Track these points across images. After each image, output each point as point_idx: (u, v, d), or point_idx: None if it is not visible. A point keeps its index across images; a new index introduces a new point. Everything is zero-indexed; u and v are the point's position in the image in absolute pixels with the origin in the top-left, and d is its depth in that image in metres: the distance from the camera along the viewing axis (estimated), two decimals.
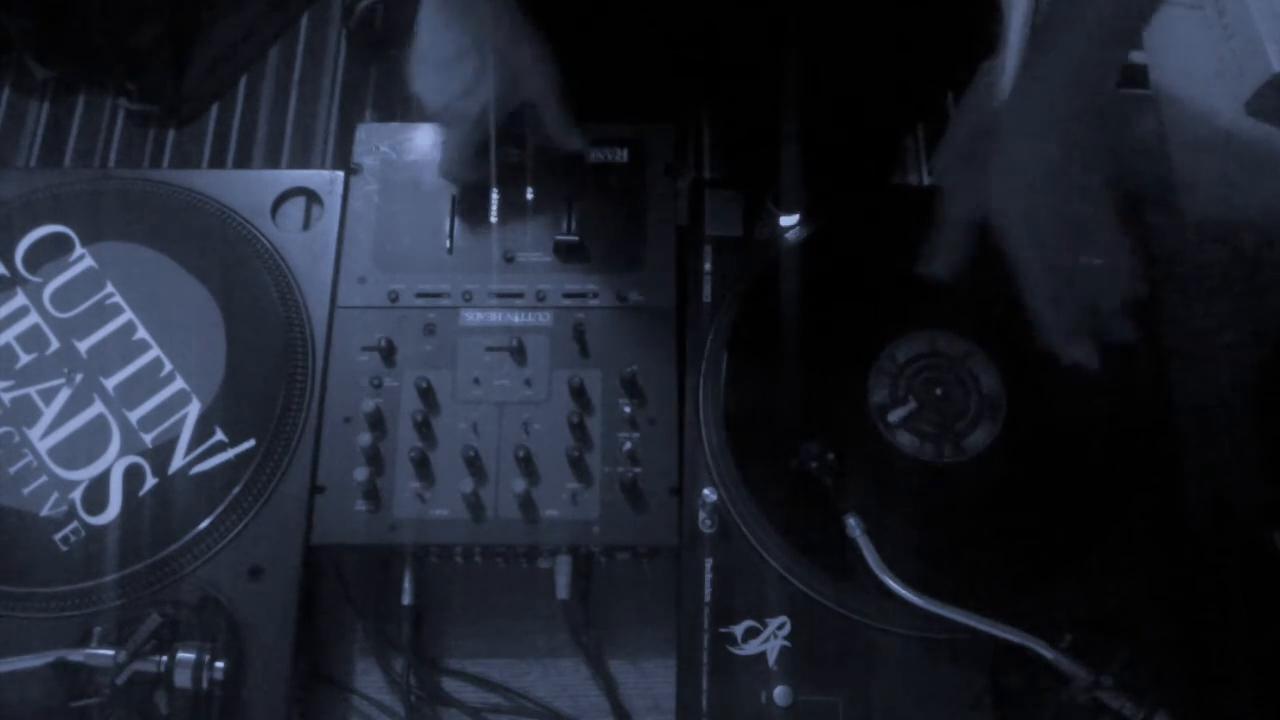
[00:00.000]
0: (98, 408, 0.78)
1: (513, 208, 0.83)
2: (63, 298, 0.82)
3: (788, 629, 0.72)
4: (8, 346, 0.80)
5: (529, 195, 0.83)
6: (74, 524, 0.75)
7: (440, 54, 0.78)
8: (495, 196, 0.83)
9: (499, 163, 0.82)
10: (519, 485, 0.75)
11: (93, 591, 0.73)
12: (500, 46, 0.77)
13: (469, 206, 0.83)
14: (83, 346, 0.80)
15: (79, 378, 0.79)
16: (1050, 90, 0.73)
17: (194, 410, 0.78)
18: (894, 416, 0.77)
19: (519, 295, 0.81)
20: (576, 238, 0.81)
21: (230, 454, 0.77)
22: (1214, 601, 0.74)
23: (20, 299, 0.82)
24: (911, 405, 0.78)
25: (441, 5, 0.77)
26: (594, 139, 0.85)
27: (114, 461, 0.77)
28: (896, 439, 0.77)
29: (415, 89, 0.80)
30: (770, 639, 0.72)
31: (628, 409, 0.77)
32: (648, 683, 0.77)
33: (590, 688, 0.77)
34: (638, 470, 0.75)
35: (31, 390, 0.79)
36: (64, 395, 0.79)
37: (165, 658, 0.69)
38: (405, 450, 0.76)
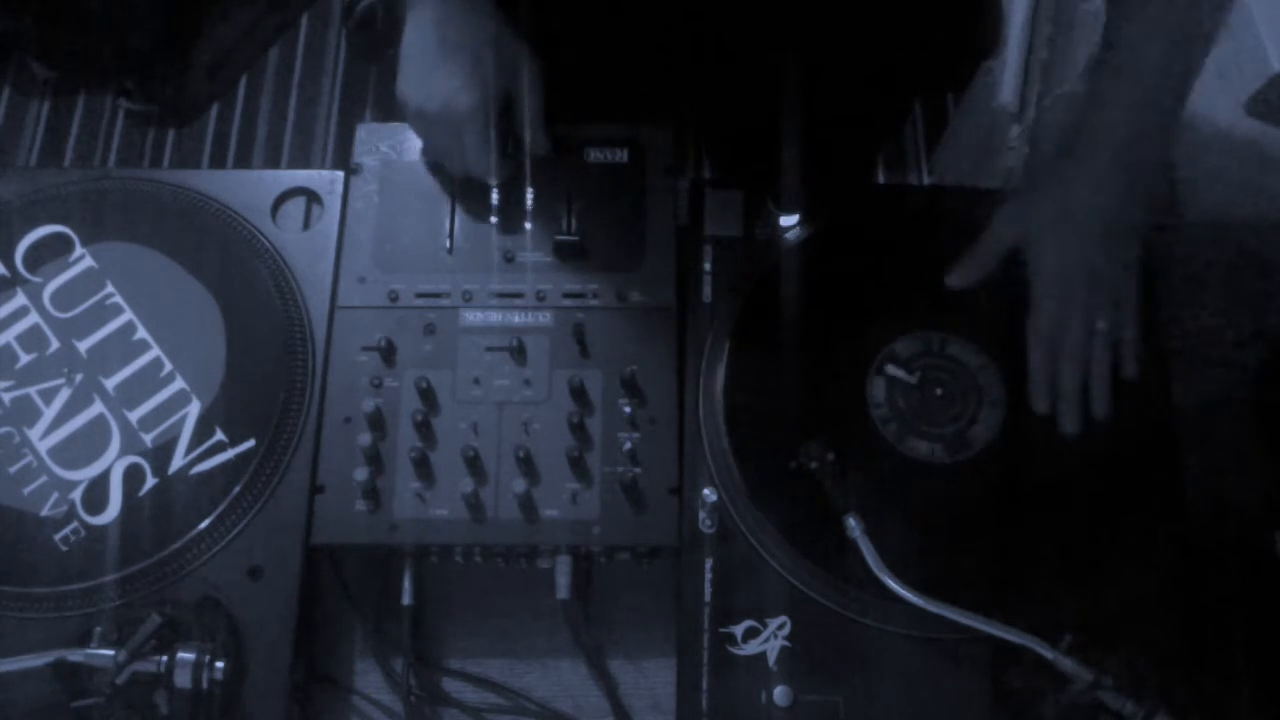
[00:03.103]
0: (98, 408, 0.78)
1: (513, 208, 0.83)
2: (63, 298, 0.82)
3: (788, 629, 0.72)
4: (8, 346, 0.80)
5: (529, 195, 0.83)
6: (74, 524, 0.75)
7: (427, 55, 0.78)
8: (495, 196, 0.83)
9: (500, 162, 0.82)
10: (519, 485, 0.75)
11: (93, 591, 0.73)
12: (486, 46, 0.77)
13: (469, 206, 0.83)
14: (83, 346, 0.80)
15: (79, 378, 0.79)
16: (1118, 127, 0.75)
17: (194, 410, 0.78)
18: (891, 369, 0.78)
19: (519, 295, 0.81)
20: (576, 238, 0.81)
21: (230, 454, 0.77)
22: (1214, 602, 0.74)
23: (20, 299, 0.82)
24: (912, 377, 0.78)
25: (428, 7, 0.78)
26: (594, 139, 0.85)
27: (114, 461, 0.77)
28: (875, 406, 0.77)
29: (401, 91, 0.80)
30: (770, 639, 0.72)
31: (628, 409, 0.77)
32: (648, 683, 0.77)
33: (590, 688, 0.77)
34: (638, 470, 0.75)
35: (31, 390, 0.79)
36: (64, 395, 0.79)
37: (165, 658, 0.69)
38: (405, 450, 0.76)
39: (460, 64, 0.77)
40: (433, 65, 0.78)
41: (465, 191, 0.83)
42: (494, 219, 0.83)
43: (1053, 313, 0.77)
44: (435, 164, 0.84)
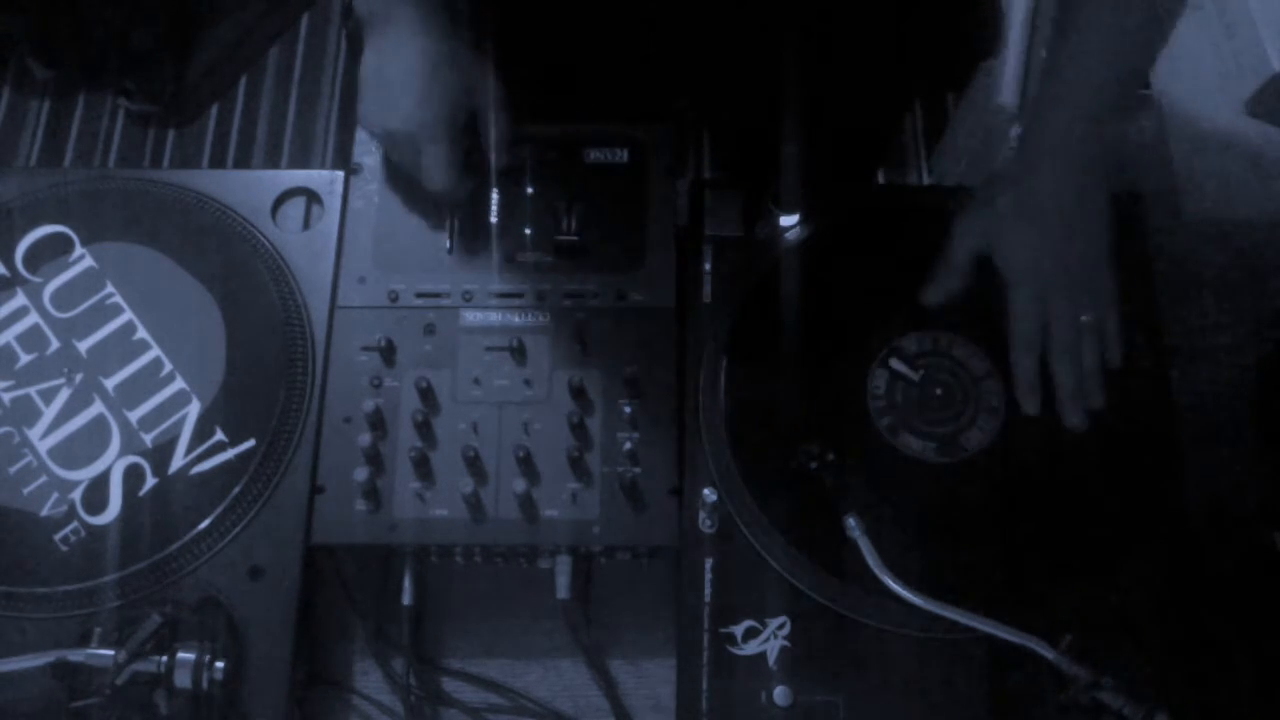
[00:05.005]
0: (98, 408, 0.78)
1: (513, 208, 0.83)
2: (63, 298, 0.82)
3: (788, 629, 0.72)
4: (8, 346, 0.80)
5: (529, 195, 0.83)
6: (74, 524, 0.75)
7: (383, 75, 0.78)
8: (495, 196, 0.83)
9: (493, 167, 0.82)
10: (519, 485, 0.75)
11: (93, 591, 0.73)
12: (441, 64, 0.77)
13: (469, 206, 0.83)
14: (83, 346, 0.80)
15: (79, 378, 0.79)
16: (1072, 119, 0.75)
17: (194, 410, 0.78)
18: (895, 363, 0.78)
19: (519, 295, 0.81)
20: (576, 238, 0.81)
21: (230, 454, 0.77)
22: (1214, 602, 0.74)
23: (20, 299, 0.82)
24: (915, 374, 0.78)
25: (383, 30, 0.78)
26: (594, 139, 0.85)
27: (114, 461, 0.77)
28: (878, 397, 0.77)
29: (361, 113, 0.80)
30: (770, 639, 0.72)
31: (628, 409, 0.77)
32: (648, 683, 0.77)
33: (590, 688, 0.77)
34: (638, 470, 0.75)
35: (31, 390, 0.79)
36: (64, 395, 0.79)
37: (165, 658, 0.69)
38: (405, 450, 0.76)
39: (414, 83, 0.77)
40: (389, 85, 0.78)
41: (420, 197, 0.83)
42: (494, 219, 0.83)
43: (1032, 313, 0.76)
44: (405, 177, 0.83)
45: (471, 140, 0.81)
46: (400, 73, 0.77)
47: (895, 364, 0.78)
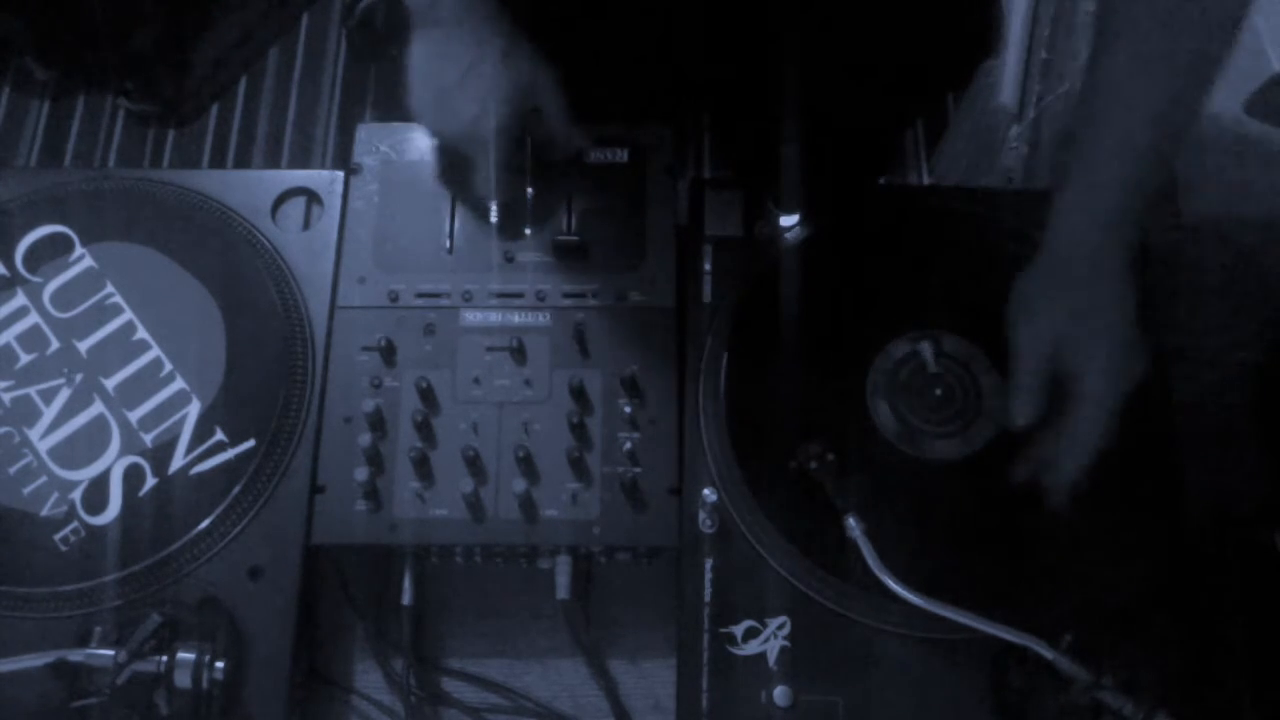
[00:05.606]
0: (98, 408, 0.78)
1: (513, 208, 0.83)
2: (63, 298, 0.82)
3: (788, 629, 0.72)
4: (8, 346, 0.80)
5: (529, 195, 0.83)
6: (74, 524, 0.75)
7: (440, 75, 0.77)
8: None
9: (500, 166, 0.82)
10: (519, 485, 0.75)
11: (93, 591, 0.73)
12: (500, 56, 0.77)
13: (469, 206, 0.83)
14: (83, 346, 0.80)
15: (79, 378, 0.79)
16: (1105, 201, 0.69)
17: (194, 410, 0.78)
18: (924, 347, 0.78)
19: (519, 295, 0.81)
20: (576, 238, 0.81)
21: (230, 454, 0.77)
22: (1214, 601, 0.74)
23: (20, 299, 0.82)
24: (936, 365, 0.78)
25: (434, 25, 0.77)
26: (594, 139, 0.85)
27: (114, 461, 0.77)
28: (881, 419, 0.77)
29: (416, 111, 0.79)
30: (770, 639, 0.72)
31: (628, 409, 0.77)
32: (648, 683, 0.77)
33: (590, 688, 0.77)
34: (638, 470, 0.75)
35: (31, 390, 0.79)
36: (64, 395, 0.79)
37: (165, 658, 0.69)
38: (405, 450, 0.76)
39: (477, 85, 0.76)
40: (449, 86, 0.77)
41: (465, 191, 0.83)
42: (494, 219, 0.83)
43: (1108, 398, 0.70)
44: (447, 174, 0.83)
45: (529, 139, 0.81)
46: (458, 73, 0.76)
47: (923, 347, 0.77)
